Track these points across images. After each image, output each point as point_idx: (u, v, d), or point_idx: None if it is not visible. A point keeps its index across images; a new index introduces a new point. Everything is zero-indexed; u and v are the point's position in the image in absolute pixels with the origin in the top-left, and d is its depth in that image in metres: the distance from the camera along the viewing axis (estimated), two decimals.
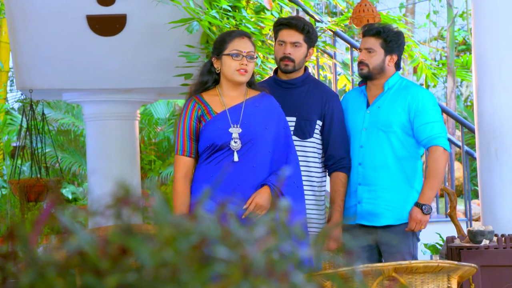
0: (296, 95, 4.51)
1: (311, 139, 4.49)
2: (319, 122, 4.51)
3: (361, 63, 4.63)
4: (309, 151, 4.48)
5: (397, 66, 4.67)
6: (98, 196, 1.33)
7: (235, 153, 4.09)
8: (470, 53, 13.12)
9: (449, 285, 3.76)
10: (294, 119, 4.47)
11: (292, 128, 4.44)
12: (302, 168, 4.42)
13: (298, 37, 4.48)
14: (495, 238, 4.86)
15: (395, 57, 4.63)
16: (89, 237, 1.27)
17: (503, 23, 5.23)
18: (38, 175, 7.51)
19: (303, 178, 4.42)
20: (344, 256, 1.38)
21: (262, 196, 4.05)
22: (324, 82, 5.37)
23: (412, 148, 4.59)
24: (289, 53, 4.48)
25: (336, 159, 4.52)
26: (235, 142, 4.09)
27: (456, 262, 3.79)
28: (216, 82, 4.25)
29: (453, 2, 12.18)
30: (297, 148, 4.43)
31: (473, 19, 5.42)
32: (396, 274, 3.67)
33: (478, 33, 5.34)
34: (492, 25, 5.26)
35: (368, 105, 4.64)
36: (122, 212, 1.29)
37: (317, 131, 4.51)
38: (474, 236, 4.81)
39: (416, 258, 4.58)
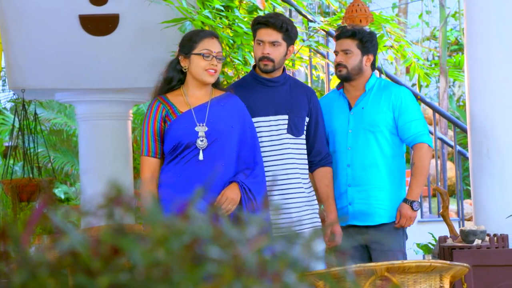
0: (282, 93, 4.48)
1: (302, 136, 4.48)
2: (307, 119, 4.51)
3: (339, 65, 4.66)
4: (301, 148, 4.47)
5: (373, 67, 4.72)
6: (91, 196, 1.33)
7: (201, 152, 4.09)
8: (463, 53, 13.15)
9: (442, 285, 3.77)
10: (286, 117, 4.44)
11: (285, 126, 4.42)
12: (298, 166, 4.41)
13: (276, 36, 4.42)
14: (487, 238, 4.87)
15: (371, 57, 4.68)
16: (81, 237, 1.27)
17: (495, 23, 5.24)
18: (31, 175, 7.49)
19: (300, 175, 4.42)
20: (337, 256, 1.38)
21: (233, 190, 4.08)
22: (317, 82, 5.36)
23: (397, 146, 4.67)
24: (268, 53, 4.41)
25: (323, 154, 4.53)
26: (201, 140, 4.09)
27: (448, 262, 3.80)
28: (181, 81, 4.25)
29: (445, 2, 12.20)
30: (291, 146, 4.42)
31: (466, 19, 5.42)
32: (389, 273, 3.67)
33: (471, 33, 5.34)
34: (484, 25, 5.27)
35: (350, 107, 4.67)
36: (114, 212, 1.29)
37: (305, 127, 4.51)
38: (467, 235, 4.82)
39: (406, 255, 4.64)
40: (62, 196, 11.90)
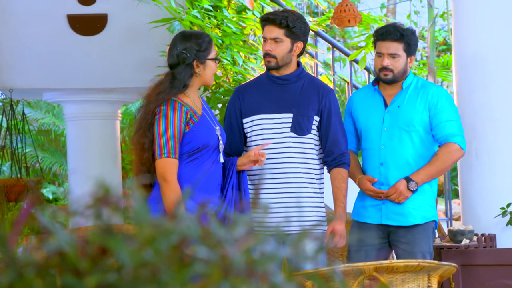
0: (291, 91, 4.44)
1: (309, 135, 4.40)
2: (316, 118, 4.42)
3: (385, 69, 4.49)
4: (307, 147, 4.40)
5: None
6: (79, 196, 1.33)
7: (221, 154, 4.15)
8: (451, 53, 13.18)
9: (430, 285, 3.78)
10: (291, 115, 4.39)
11: (289, 125, 4.39)
12: (301, 165, 4.38)
13: (277, 32, 4.40)
14: (475, 238, 4.89)
15: (413, 58, 4.54)
16: (69, 237, 1.27)
17: (483, 23, 5.25)
18: (18, 175, 7.48)
19: (303, 174, 4.39)
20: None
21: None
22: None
23: (431, 146, 4.53)
24: (269, 50, 4.41)
25: (336, 155, 4.42)
26: (221, 143, 4.15)
27: (436, 262, 3.81)
28: None
29: (433, 2, 12.22)
30: (294, 145, 4.38)
31: (454, 19, 5.44)
32: (377, 273, 3.68)
33: (459, 33, 5.36)
34: (472, 25, 5.29)
35: (385, 104, 4.58)
36: (102, 212, 1.29)
37: (314, 127, 4.43)
38: (455, 235, 4.84)
39: (432, 255, 4.54)
40: (50, 196, 11.88)
